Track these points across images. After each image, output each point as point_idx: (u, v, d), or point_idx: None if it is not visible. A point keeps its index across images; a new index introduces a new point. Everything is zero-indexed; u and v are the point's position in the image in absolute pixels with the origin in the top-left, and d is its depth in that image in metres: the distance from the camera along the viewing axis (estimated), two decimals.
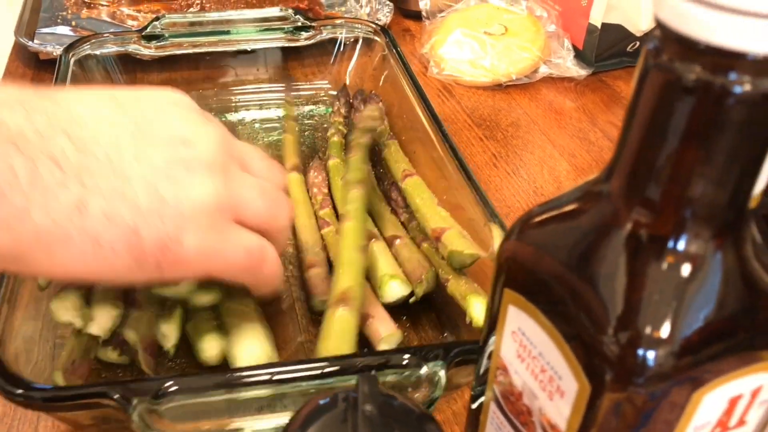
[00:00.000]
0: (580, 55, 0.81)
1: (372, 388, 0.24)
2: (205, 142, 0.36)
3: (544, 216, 0.26)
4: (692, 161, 0.21)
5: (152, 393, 0.33)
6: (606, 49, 0.80)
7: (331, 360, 0.36)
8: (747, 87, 0.19)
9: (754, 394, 0.24)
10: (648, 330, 0.22)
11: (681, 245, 0.22)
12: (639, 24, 0.78)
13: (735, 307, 0.22)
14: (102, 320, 0.42)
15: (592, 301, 0.23)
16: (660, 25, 0.20)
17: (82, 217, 0.31)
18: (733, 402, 0.24)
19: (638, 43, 0.81)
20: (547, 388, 0.25)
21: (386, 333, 0.43)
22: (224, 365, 0.44)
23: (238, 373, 0.35)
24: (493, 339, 0.28)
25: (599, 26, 0.77)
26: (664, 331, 0.22)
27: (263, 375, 0.35)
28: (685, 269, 0.22)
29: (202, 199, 0.34)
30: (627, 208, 0.23)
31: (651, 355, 0.22)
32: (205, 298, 0.43)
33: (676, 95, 0.20)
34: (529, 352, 0.25)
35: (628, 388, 0.22)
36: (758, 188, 0.21)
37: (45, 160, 0.31)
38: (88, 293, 0.44)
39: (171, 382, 0.34)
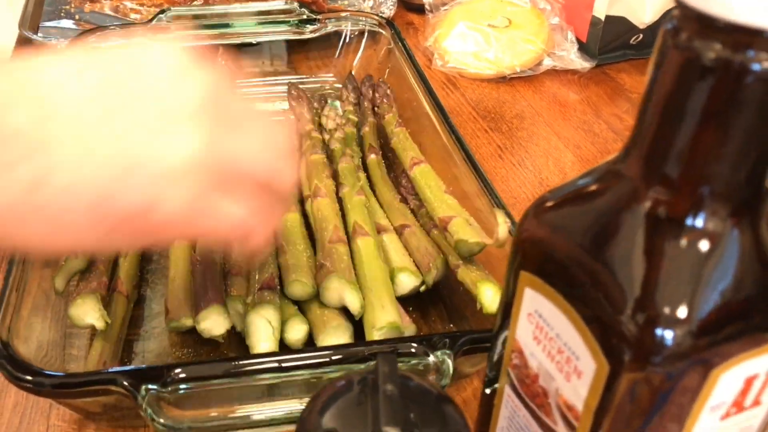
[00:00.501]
0: (583, 48, 0.81)
1: (392, 368, 0.24)
2: (191, 92, 0.32)
3: (561, 197, 0.26)
4: (711, 140, 0.21)
5: (161, 380, 0.33)
6: (609, 41, 0.80)
7: (339, 348, 0.36)
8: (766, 64, 0.19)
9: None
10: (666, 310, 0.22)
11: (699, 223, 0.22)
12: (642, 16, 0.78)
13: (751, 287, 0.22)
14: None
15: (609, 282, 0.23)
16: (679, 4, 0.20)
17: (40, 194, 0.29)
18: (749, 381, 0.24)
19: (641, 36, 0.81)
20: (564, 369, 0.25)
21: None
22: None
23: (246, 360, 0.35)
24: (507, 323, 0.28)
25: (603, 19, 0.77)
26: (682, 311, 0.22)
27: (271, 362, 0.35)
28: (703, 247, 0.22)
29: (181, 157, 0.31)
30: (645, 188, 0.23)
31: (669, 334, 0.22)
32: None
33: (695, 74, 0.21)
34: (546, 334, 0.26)
35: (646, 368, 0.22)
36: None
37: (2, 138, 0.29)
38: (106, 294, 0.45)
39: (179, 370, 0.34)
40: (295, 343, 0.43)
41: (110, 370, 0.34)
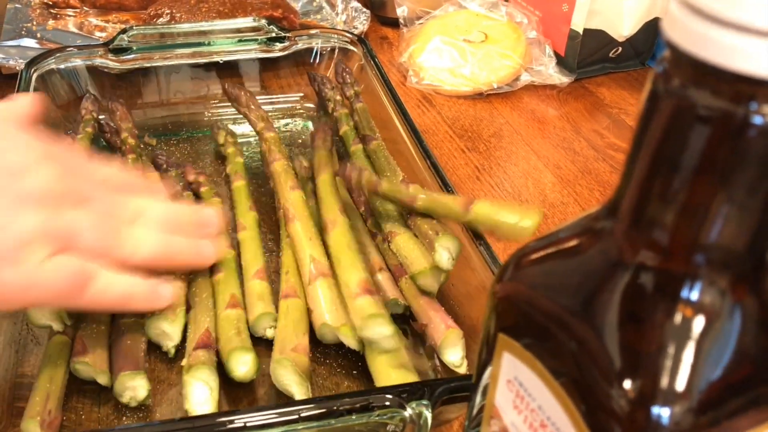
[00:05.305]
0: (562, 62, 0.79)
1: None
2: (40, 176, 0.37)
3: (542, 253, 0.23)
4: (706, 200, 0.19)
5: None
6: (588, 55, 0.78)
7: (309, 403, 0.34)
8: None
9: None
10: (662, 383, 0.20)
11: (694, 296, 0.20)
12: (621, 29, 0.77)
13: (757, 357, 0.20)
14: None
15: (597, 350, 0.21)
16: (671, 47, 0.18)
17: None
18: None
19: (620, 49, 0.79)
20: None
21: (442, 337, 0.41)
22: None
23: (188, 423, 0.33)
24: (487, 374, 0.26)
25: (581, 32, 0.76)
26: (680, 384, 0.20)
27: (230, 423, 0.32)
28: (701, 318, 0.20)
29: (22, 234, 0.35)
30: (633, 249, 0.20)
31: (666, 412, 0.19)
32: None
33: (689, 125, 0.18)
34: (527, 405, 0.23)
35: None
36: None
37: None
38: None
39: None
40: (244, 378, 0.40)
41: None
